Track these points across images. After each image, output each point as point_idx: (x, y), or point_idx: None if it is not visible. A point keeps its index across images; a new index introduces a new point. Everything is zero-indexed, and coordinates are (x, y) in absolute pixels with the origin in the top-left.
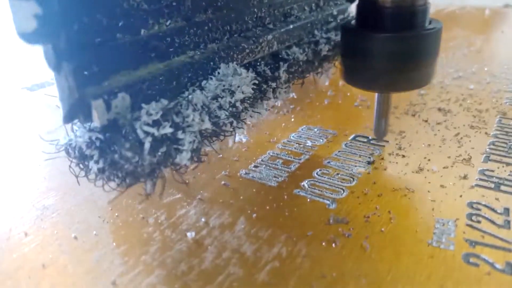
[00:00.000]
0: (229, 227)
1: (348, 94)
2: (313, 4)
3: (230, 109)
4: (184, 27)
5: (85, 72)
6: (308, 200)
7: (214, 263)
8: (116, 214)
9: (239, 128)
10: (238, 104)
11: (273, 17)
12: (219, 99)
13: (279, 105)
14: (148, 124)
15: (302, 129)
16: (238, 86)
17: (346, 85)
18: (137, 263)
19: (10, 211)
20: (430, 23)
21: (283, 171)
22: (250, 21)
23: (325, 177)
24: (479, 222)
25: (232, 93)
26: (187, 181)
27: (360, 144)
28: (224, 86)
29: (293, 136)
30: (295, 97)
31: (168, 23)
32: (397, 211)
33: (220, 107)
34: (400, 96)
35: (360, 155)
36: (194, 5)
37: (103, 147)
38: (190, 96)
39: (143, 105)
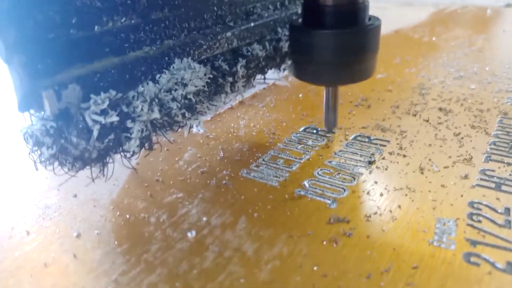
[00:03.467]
0: (230, 226)
1: (349, 93)
2: (278, 3)
3: (183, 101)
4: (140, 24)
5: (38, 65)
6: (309, 199)
7: (215, 262)
8: (118, 213)
9: (194, 119)
10: (191, 96)
11: (234, 15)
12: (172, 92)
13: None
14: (96, 113)
15: (303, 129)
16: (190, 80)
17: (346, 85)
18: (138, 262)
19: (12, 210)
20: (369, 20)
21: (284, 171)
22: (209, 19)
23: (326, 177)
24: (480, 221)
25: (184, 86)
26: (135, 167)
27: (361, 144)
28: (176, 79)
29: (294, 136)
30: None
31: (123, 20)
32: (398, 210)
33: (173, 99)
34: (401, 96)
35: (361, 154)
36: (150, 3)
37: (56, 134)
38: (140, 88)
39: (91, 95)
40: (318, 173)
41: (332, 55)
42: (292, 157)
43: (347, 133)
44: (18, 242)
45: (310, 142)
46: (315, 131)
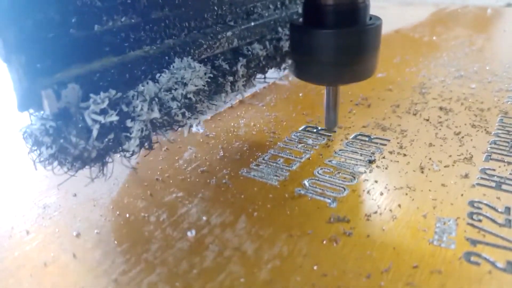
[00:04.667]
0: (230, 225)
1: (350, 92)
2: (279, 2)
3: (183, 100)
4: (140, 23)
5: (37, 64)
6: (309, 198)
7: (215, 261)
8: (118, 213)
9: (194, 119)
10: (191, 96)
11: (234, 14)
12: (172, 91)
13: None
14: (95, 113)
15: (303, 128)
16: (190, 79)
17: (347, 84)
18: (138, 261)
19: (11, 209)
20: (370, 19)
21: (284, 170)
22: (210, 19)
23: (326, 176)
24: (480, 221)
25: (185, 85)
26: (136, 167)
27: (361, 143)
28: (176, 78)
29: (294, 135)
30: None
31: (123, 19)
32: (398, 209)
33: (173, 99)
34: (401, 95)
35: (361, 153)
36: (150, 2)
37: (55, 134)
38: (140, 87)
39: (91, 95)
40: (318, 172)
41: (332, 55)
42: (292, 156)
43: (347, 132)
44: (18, 241)
45: (310, 141)
46: (315, 130)
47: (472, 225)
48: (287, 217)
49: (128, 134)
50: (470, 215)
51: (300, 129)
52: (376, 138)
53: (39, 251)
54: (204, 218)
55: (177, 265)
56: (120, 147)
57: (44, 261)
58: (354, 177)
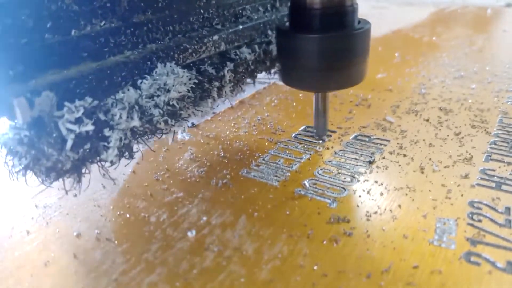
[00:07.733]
0: (230, 226)
1: (351, 92)
2: (269, 5)
3: (166, 107)
4: (120, 28)
5: (9, 71)
6: (309, 199)
7: (215, 261)
8: (118, 213)
9: (179, 126)
10: (174, 102)
11: (222, 17)
12: (154, 98)
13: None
14: (70, 122)
15: (303, 128)
16: (173, 85)
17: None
18: (138, 261)
19: (12, 209)
20: (359, 23)
21: (284, 170)
22: (196, 22)
23: (326, 176)
24: (480, 221)
25: (167, 92)
26: (114, 178)
27: (361, 143)
28: (159, 85)
29: (294, 135)
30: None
31: (102, 23)
32: (398, 210)
33: (155, 106)
34: (401, 96)
35: (361, 154)
36: (132, 6)
37: (29, 144)
38: (117, 95)
39: (66, 103)
40: (318, 173)
41: (319, 60)
42: (292, 157)
43: (347, 133)
44: (18, 241)
45: (310, 142)
46: (315, 131)
47: (472, 225)
48: (287, 218)
49: (106, 144)
50: (470, 215)
51: (300, 129)
52: (376, 138)
53: (40, 251)
54: (204, 218)
55: (177, 265)
56: (98, 157)
57: (44, 261)
58: (354, 178)
